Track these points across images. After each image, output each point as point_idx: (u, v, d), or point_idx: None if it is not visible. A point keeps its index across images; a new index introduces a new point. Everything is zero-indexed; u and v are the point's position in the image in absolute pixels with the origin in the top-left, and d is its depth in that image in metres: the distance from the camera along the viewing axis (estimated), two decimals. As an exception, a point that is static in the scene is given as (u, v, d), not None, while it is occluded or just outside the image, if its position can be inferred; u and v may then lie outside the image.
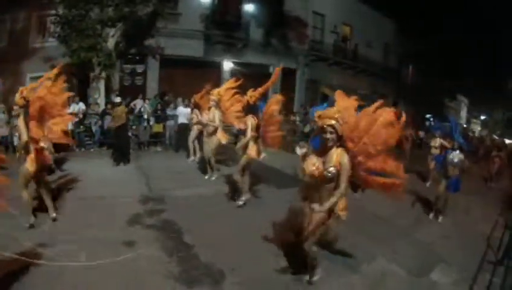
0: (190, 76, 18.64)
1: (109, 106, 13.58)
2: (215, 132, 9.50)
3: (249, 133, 7.57)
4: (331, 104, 9.13)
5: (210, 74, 19.81)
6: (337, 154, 4.32)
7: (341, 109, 4.64)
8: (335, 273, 5.27)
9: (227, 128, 10.70)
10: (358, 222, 7.55)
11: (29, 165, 5.91)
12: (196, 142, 12.19)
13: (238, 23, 21.34)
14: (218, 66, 21.01)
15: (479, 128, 54.20)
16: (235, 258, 5.41)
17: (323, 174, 4.29)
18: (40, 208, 6.55)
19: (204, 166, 10.48)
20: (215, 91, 9.22)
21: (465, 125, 49.25)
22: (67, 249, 5.35)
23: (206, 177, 10.13)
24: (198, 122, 10.87)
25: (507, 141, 23.11)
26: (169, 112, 15.26)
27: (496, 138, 29.24)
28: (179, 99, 15.33)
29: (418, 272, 5.58)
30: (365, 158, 4.54)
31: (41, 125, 5.99)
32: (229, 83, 9.60)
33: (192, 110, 12.18)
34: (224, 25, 20.73)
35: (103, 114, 14.12)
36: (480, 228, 8.08)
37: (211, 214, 7.32)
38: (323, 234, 4.85)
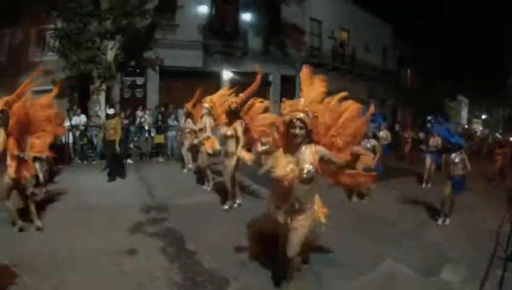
0: (190, 87, 18.37)
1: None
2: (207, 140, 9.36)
3: (242, 138, 7.55)
4: None
5: (210, 84, 19.72)
6: (311, 152, 3.99)
7: (309, 100, 4.34)
8: (343, 275, 5.21)
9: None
10: (364, 225, 7.61)
11: (8, 175, 5.96)
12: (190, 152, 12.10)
13: (236, 33, 21.35)
14: (217, 76, 20.97)
15: (481, 128, 54.22)
16: (239, 264, 5.36)
17: (300, 175, 3.92)
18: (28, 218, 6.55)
19: (200, 175, 10.45)
20: (208, 99, 9.01)
21: (466, 126, 49.20)
22: (68, 257, 5.34)
23: (204, 187, 10.00)
24: (192, 131, 10.82)
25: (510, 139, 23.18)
26: (170, 122, 15.25)
27: (499, 136, 29.27)
28: (180, 110, 15.32)
29: (427, 272, 5.52)
30: (335, 151, 4.38)
31: (22, 138, 6.04)
32: (223, 91, 9.36)
33: (185, 119, 12.05)
34: (222, 34, 20.75)
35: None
36: (487, 226, 8.02)
37: (213, 221, 7.32)
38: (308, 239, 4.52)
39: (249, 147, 7.65)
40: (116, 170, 10.97)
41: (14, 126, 5.80)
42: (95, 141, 14.09)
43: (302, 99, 4.22)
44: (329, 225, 4.64)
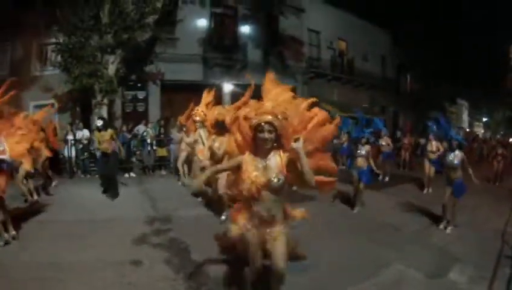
0: (191, 100, 18.49)
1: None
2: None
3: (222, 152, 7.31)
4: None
5: (217, 97, 19.85)
6: (279, 157, 3.61)
7: (278, 102, 3.97)
8: (350, 281, 5.18)
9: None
10: (367, 231, 7.61)
11: None
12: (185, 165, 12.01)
13: (235, 45, 21.52)
14: (218, 89, 20.96)
15: (482, 131, 54.21)
16: (244, 273, 5.29)
17: (268, 184, 3.55)
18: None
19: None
20: (199, 111, 8.60)
21: (467, 129, 49.22)
22: (73, 269, 5.33)
23: (199, 199, 9.72)
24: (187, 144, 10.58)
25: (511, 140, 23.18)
26: (172, 135, 15.29)
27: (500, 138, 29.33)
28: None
29: (435, 274, 5.48)
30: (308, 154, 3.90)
31: None
32: (204, 98, 8.93)
33: (178, 132, 12.00)
34: (221, 47, 20.92)
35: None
36: (492, 226, 8.02)
37: (218, 231, 7.21)
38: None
39: None
40: (114, 186, 10.39)
41: None
42: (97, 154, 14.11)
43: (269, 101, 3.98)
44: (310, 221, 4.50)
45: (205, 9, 20.36)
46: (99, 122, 10.28)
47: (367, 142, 9.52)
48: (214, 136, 7.71)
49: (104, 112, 15.56)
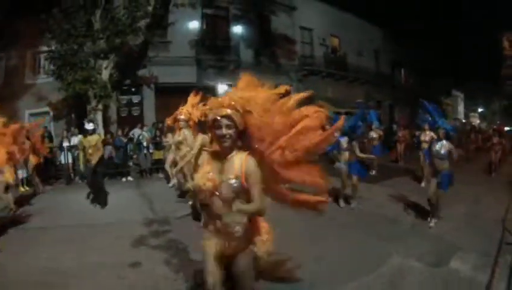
0: (185, 102, 18.61)
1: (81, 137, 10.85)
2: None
3: (196, 148, 7.17)
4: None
5: (205, 98, 19.81)
6: (240, 160, 3.00)
7: (247, 95, 3.17)
8: (351, 276, 5.15)
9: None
10: (367, 224, 7.60)
11: None
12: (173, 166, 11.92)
13: (227, 46, 21.55)
14: (212, 90, 20.97)
15: (478, 121, 54.33)
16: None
17: (219, 189, 3.01)
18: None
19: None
20: (184, 110, 8.35)
21: (464, 120, 49.34)
22: (74, 273, 5.32)
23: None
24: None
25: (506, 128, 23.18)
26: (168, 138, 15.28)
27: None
28: (177, 126, 15.29)
29: (436, 263, 5.49)
30: (282, 167, 3.27)
31: None
32: (191, 99, 8.59)
33: (166, 134, 11.87)
34: (214, 49, 20.93)
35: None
36: (492, 214, 8.05)
37: None
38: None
39: None
40: (102, 193, 9.79)
41: None
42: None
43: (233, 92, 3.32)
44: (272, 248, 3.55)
45: (196, 11, 20.25)
46: (90, 126, 9.59)
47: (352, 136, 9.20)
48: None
49: (99, 118, 15.53)
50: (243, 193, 3.01)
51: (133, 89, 19.02)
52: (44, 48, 15.95)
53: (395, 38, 33.09)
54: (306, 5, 25.38)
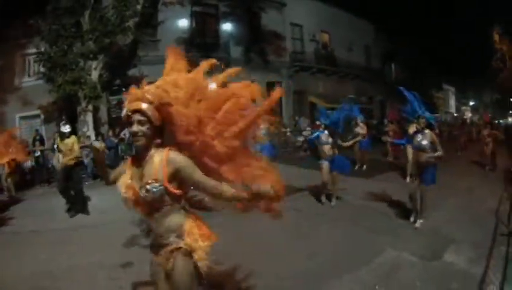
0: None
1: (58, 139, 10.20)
2: None
3: None
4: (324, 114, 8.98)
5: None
6: (161, 158, 2.51)
7: (168, 81, 2.72)
8: (346, 269, 5.14)
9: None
10: (359, 219, 7.57)
11: None
12: None
13: (217, 44, 21.51)
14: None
15: (470, 114, 54.73)
16: (235, 271, 5.25)
17: (139, 196, 2.55)
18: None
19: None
20: None
21: (455, 114, 49.60)
22: (67, 276, 5.29)
23: None
24: None
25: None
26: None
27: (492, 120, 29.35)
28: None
29: (431, 256, 5.48)
30: (218, 163, 2.77)
31: None
32: None
33: None
34: (203, 46, 20.81)
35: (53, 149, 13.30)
36: (486, 206, 8.03)
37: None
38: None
39: None
40: (81, 201, 9.10)
41: None
42: (85, 161, 13.96)
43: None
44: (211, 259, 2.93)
45: (185, 9, 20.26)
46: (66, 128, 8.86)
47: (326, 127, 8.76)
48: None
49: (90, 118, 15.43)
50: (171, 196, 2.58)
51: (123, 89, 18.87)
52: (34, 50, 15.81)
53: (385, 34, 33.20)
54: (296, 1, 25.44)
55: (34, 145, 15.38)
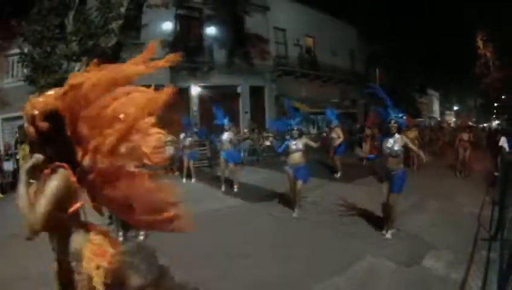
0: (158, 104, 18.47)
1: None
2: None
3: None
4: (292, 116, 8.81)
5: (178, 100, 19.66)
6: (49, 178, 2.15)
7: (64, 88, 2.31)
8: (320, 276, 5.08)
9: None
10: (339, 224, 7.49)
11: None
12: None
13: (201, 47, 21.36)
14: (186, 92, 20.82)
15: (454, 119, 55.27)
16: (210, 277, 5.19)
17: None
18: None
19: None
20: None
21: (439, 118, 50.01)
22: (42, 281, 5.07)
23: None
24: None
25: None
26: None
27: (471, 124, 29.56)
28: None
29: (409, 262, 5.42)
30: (104, 182, 2.31)
31: None
32: None
33: None
34: (187, 50, 20.66)
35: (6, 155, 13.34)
36: (467, 211, 8.04)
37: (185, 234, 7.04)
38: None
39: None
40: None
41: None
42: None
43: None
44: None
45: (170, 12, 20.10)
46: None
47: (301, 134, 8.40)
48: None
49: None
50: (59, 222, 2.22)
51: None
52: (16, 51, 15.51)
53: (370, 38, 33.32)
54: (280, 5, 25.39)
55: (16, 147, 15.09)
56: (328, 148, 13.44)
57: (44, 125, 2.14)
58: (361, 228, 7.21)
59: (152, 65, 2.64)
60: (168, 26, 20.04)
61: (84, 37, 14.64)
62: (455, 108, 66.23)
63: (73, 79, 2.32)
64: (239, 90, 23.05)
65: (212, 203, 9.65)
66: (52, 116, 2.17)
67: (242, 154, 16.97)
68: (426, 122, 41.58)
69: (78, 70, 14.88)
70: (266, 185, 11.24)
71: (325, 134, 11.73)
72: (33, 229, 2.09)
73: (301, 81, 26.84)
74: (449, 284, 4.79)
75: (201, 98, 20.91)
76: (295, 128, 8.26)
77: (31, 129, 2.16)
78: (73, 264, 2.31)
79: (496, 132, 27.35)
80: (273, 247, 6.29)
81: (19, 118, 17.44)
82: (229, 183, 11.22)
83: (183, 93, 20.62)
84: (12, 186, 12.98)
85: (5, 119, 17.54)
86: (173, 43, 20.06)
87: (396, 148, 6.35)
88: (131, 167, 2.38)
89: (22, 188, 2.11)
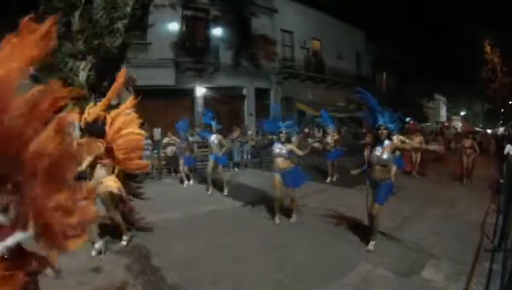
0: (164, 105, 18.50)
1: None
2: None
3: (87, 162, 5.68)
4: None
5: (183, 101, 19.70)
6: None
7: None
8: (314, 284, 4.98)
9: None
10: (337, 229, 7.40)
11: None
12: None
13: (207, 48, 21.29)
14: (191, 93, 20.79)
15: (460, 124, 54.98)
16: (203, 279, 5.20)
17: None
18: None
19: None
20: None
21: (446, 124, 49.71)
22: None
23: None
24: None
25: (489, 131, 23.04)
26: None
27: (477, 129, 29.30)
28: (155, 130, 15.10)
29: (407, 272, 5.26)
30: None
31: None
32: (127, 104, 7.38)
33: None
34: (193, 51, 20.63)
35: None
36: (470, 218, 7.89)
37: (181, 236, 7.13)
38: None
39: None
40: None
41: None
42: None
43: None
44: None
45: (176, 13, 20.05)
46: None
47: (288, 139, 7.97)
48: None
49: (76, 120, 15.21)
50: None
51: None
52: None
53: (377, 42, 33.17)
54: (287, 7, 25.30)
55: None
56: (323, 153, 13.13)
57: None
58: (360, 235, 6.99)
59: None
60: (174, 26, 19.96)
61: (89, 36, 14.63)
62: (462, 113, 65.78)
63: None
64: (244, 92, 22.96)
65: (209, 205, 9.63)
66: None
67: (245, 156, 16.91)
68: (433, 127, 41.27)
69: (83, 69, 14.90)
70: (265, 187, 11.13)
71: (317, 143, 11.11)
72: None
73: (307, 84, 26.75)
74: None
75: (206, 99, 20.84)
76: (283, 132, 7.71)
77: None
78: None
79: (503, 138, 27.11)
80: (269, 251, 6.19)
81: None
82: (218, 185, 11.17)
83: (188, 94, 20.61)
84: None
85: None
86: (179, 44, 20.05)
87: (385, 156, 5.85)
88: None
89: None
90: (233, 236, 6.93)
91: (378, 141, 6.03)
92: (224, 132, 11.76)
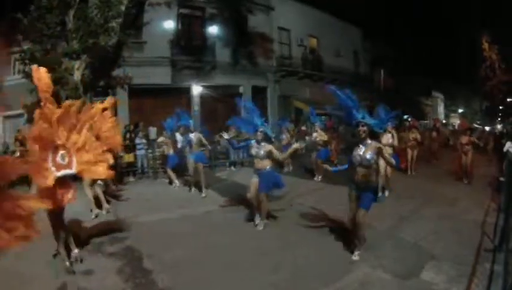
0: (160, 104, 18.36)
1: None
2: None
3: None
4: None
5: (180, 99, 19.54)
6: None
7: None
8: (309, 286, 4.88)
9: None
10: (336, 229, 7.18)
11: None
12: None
13: (203, 46, 21.19)
14: (187, 91, 20.66)
15: (458, 122, 55.08)
16: (195, 282, 5.09)
17: None
18: None
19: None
20: None
21: (444, 121, 49.74)
22: (26, 281, 5.16)
23: None
24: None
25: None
26: (138, 140, 14.90)
27: (476, 126, 29.21)
28: (151, 128, 14.92)
29: (406, 274, 5.12)
30: None
31: None
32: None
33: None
34: (189, 49, 20.53)
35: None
36: (471, 218, 7.73)
37: (176, 237, 7.02)
38: None
39: None
40: None
41: None
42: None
43: None
44: None
45: (172, 11, 19.93)
46: None
47: (268, 139, 7.44)
48: None
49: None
50: None
51: (108, 90, 18.47)
52: (17, 48, 15.46)
53: (374, 39, 33.10)
54: (284, 5, 25.22)
55: (15, 145, 14.99)
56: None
57: None
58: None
59: None
60: (170, 25, 19.85)
61: (84, 35, 14.49)
62: (460, 110, 65.88)
63: None
64: (241, 90, 22.74)
65: (203, 205, 9.57)
66: None
67: (241, 155, 16.75)
68: (430, 125, 41.29)
69: (78, 68, 14.77)
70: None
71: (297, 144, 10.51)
72: None
73: (304, 82, 26.67)
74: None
75: (203, 97, 20.69)
76: (260, 130, 7.27)
77: None
78: None
79: (501, 135, 26.99)
80: (262, 254, 6.03)
81: (20, 115, 17.39)
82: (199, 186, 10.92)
83: (185, 92, 20.47)
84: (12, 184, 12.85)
85: (6, 117, 17.43)
86: (175, 42, 19.91)
87: (368, 156, 5.44)
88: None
89: None
90: (228, 238, 6.80)
91: (355, 138, 5.68)
92: (220, 131, 11.58)
